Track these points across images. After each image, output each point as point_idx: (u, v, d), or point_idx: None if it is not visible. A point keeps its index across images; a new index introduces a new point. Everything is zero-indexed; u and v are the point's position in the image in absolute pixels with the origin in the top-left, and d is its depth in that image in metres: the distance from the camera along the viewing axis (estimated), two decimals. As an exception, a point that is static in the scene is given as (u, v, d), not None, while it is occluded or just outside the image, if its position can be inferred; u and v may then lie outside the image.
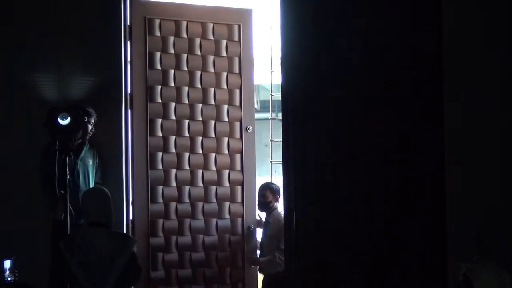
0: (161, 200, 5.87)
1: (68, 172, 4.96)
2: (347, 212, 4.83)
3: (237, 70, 6.15)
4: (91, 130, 5.40)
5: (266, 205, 6.12)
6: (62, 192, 4.96)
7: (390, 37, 4.84)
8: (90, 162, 5.41)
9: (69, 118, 5.04)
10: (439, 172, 4.83)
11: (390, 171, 4.84)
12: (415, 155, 4.86)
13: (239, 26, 6.15)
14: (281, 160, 4.98)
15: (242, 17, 6.20)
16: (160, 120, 5.89)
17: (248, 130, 6.15)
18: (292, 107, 4.93)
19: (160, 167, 5.87)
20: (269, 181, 6.58)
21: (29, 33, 5.47)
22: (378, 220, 4.82)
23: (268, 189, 6.17)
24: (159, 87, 5.91)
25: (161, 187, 5.88)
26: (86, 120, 5.33)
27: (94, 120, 5.40)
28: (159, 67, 5.90)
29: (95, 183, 5.40)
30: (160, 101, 5.90)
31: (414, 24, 4.86)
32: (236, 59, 6.15)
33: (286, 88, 4.97)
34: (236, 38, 6.15)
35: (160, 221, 5.87)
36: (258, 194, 6.16)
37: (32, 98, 5.39)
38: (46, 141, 5.16)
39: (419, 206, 4.86)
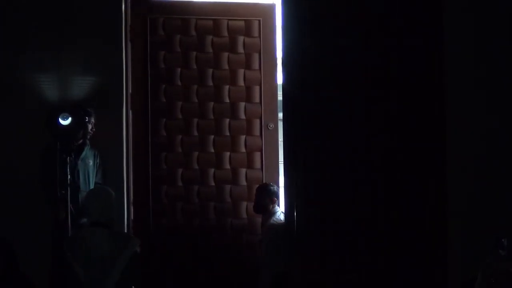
0: (165, 200, 5.85)
1: (69, 172, 4.97)
2: (347, 212, 4.83)
3: (256, 67, 6.01)
4: (91, 130, 5.40)
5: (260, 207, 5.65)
6: (63, 192, 4.96)
7: (390, 37, 4.84)
8: (91, 162, 5.39)
9: (70, 118, 5.05)
10: (440, 172, 4.84)
11: (391, 171, 4.85)
12: (416, 154, 4.86)
13: (259, 21, 6.00)
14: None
15: (262, 12, 6.05)
16: (164, 119, 5.87)
17: (269, 128, 5.99)
18: (292, 107, 4.93)
19: (164, 166, 5.85)
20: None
21: (30, 33, 5.46)
22: (378, 220, 4.83)
23: (262, 190, 5.64)
24: (163, 86, 5.88)
25: (165, 186, 5.85)
26: (86, 120, 5.32)
27: (95, 120, 5.41)
28: (162, 66, 5.88)
29: (96, 183, 5.40)
30: (164, 100, 5.89)
31: (414, 24, 4.86)
32: (256, 55, 6.01)
33: (287, 88, 4.97)
34: (255, 34, 6.01)
35: (164, 221, 5.85)
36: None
37: (32, 98, 5.39)
38: (47, 141, 5.16)
39: (419, 206, 4.86)
